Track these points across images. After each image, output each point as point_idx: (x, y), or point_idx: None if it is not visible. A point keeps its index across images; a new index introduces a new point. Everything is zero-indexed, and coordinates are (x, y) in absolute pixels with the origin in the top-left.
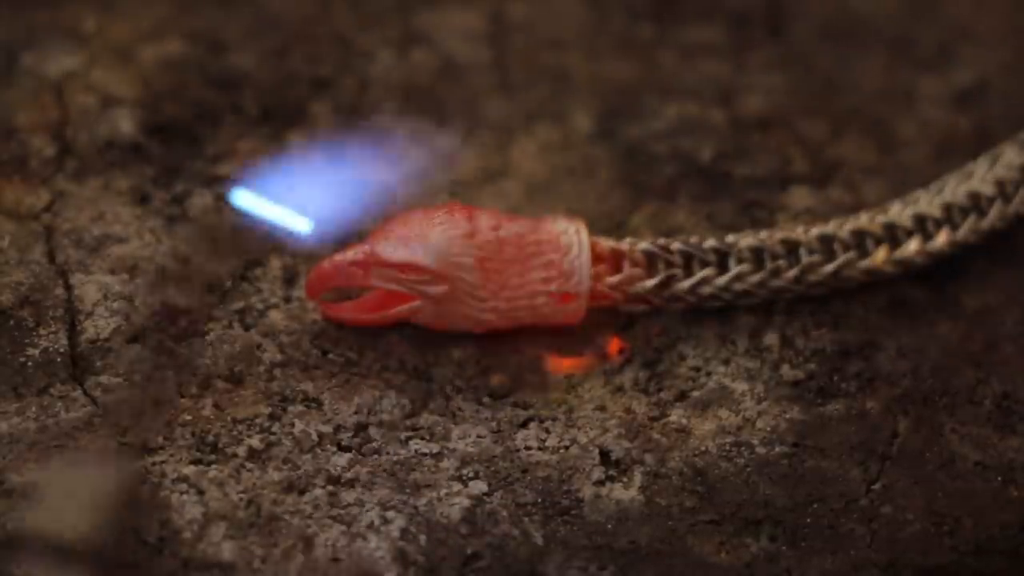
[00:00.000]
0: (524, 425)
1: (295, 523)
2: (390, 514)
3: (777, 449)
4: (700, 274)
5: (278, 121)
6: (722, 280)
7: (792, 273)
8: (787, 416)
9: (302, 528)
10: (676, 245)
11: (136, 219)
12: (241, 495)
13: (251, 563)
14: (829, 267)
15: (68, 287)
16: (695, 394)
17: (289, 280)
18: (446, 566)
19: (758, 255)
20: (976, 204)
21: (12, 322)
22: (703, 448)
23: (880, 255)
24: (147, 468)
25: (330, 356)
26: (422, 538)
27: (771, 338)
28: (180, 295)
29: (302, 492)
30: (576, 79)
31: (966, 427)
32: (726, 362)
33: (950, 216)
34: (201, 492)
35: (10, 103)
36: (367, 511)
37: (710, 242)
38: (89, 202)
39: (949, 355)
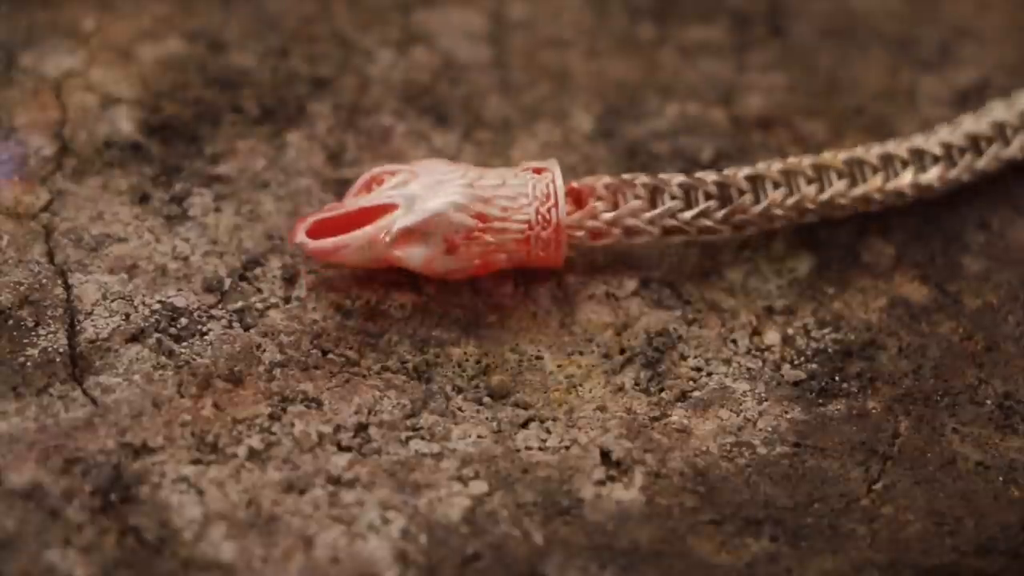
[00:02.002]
0: (524, 425)
1: (295, 523)
2: (390, 514)
3: (778, 449)
4: (667, 205)
5: (278, 121)
6: (686, 215)
7: (757, 208)
8: (788, 416)
9: (302, 528)
10: (642, 179)
11: (135, 219)
12: (241, 495)
13: (251, 563)
14: (790, 199)
15: (67, 287)
16: (696, 394)
17: (289, 280)
18: (446, 566)
19: (723, 189)
20: (975, 144)
21: (11, 322)
22: (704, 448)
23: (875, 182)
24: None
25: (330, 356)
26: (422, 538)
27: (772, 338)
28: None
29: (302, 492)
30: (577, 78)
31: (967, 427)
32: (727, 362)
33: (949, 154)
34: (201, 492)
35: (10, 102)
36: (367, 511)
37: (678, 177)
38: (88, 201)
39: (950, 355)
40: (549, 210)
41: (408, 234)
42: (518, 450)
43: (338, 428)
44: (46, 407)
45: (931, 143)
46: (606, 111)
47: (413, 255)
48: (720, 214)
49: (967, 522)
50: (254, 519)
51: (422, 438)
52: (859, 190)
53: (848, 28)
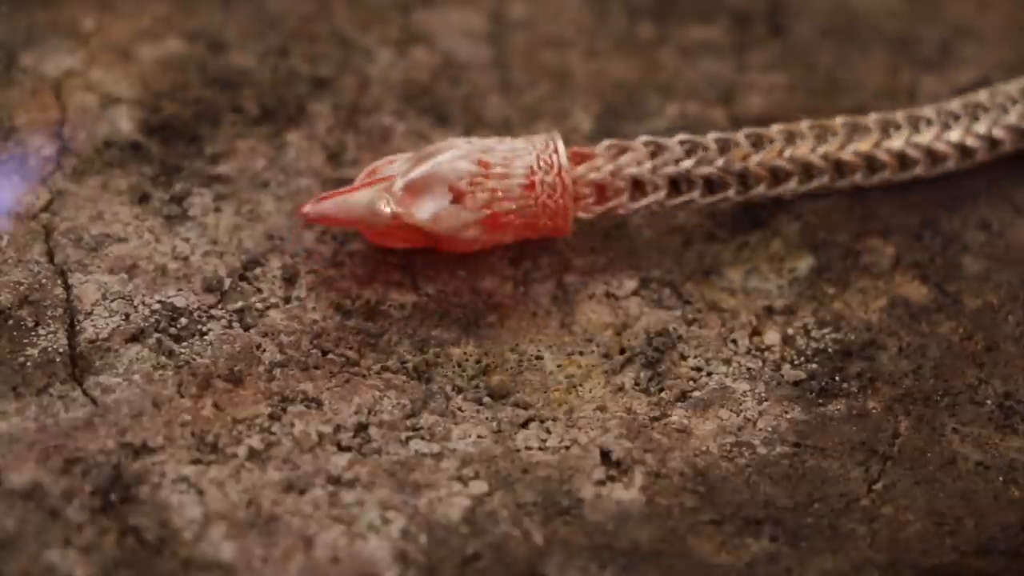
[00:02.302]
0: (524, 425)
1: (295, 523)
2: (390, 514)
3: (778, 449)
4: (663, 157)
5: (278, 121)
6: (687, 162)
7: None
8: (788, 416)
9: (302, 528)
10: (643, 138)
11: (135, 218)
12: (241, 495)
13: (251, 563)
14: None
15: (67, 287)
16: (696, 394)
17: (289, 280)
18: (446, 566)
19: (724, 144)
20: (975, 111)
21: (11, 322)
22: (704, 448)
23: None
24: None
25: (330, 356)
26: (422, 538)
27: (772, 338)
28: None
29: (302, 492)
30: (577, 78)
31: (967, 427)
32: (727, 362)
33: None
34: (201, 492)
35: (10, 102)
36: (367, 511)
37: (679, 136)
38: (88, 201)
39: (950, 355)
40: (551, 155)
41: (412, 187)
42: (518, 450)
43: (338, 428)
44: (46, 407)
45: (930, 111)
46: (606, 111)
47: (421, 209)
48: (720, 161)
49: (967, 522)
50: (254, 519)
51: (422, 438)
52: (856, 146)
53: (848, 28)
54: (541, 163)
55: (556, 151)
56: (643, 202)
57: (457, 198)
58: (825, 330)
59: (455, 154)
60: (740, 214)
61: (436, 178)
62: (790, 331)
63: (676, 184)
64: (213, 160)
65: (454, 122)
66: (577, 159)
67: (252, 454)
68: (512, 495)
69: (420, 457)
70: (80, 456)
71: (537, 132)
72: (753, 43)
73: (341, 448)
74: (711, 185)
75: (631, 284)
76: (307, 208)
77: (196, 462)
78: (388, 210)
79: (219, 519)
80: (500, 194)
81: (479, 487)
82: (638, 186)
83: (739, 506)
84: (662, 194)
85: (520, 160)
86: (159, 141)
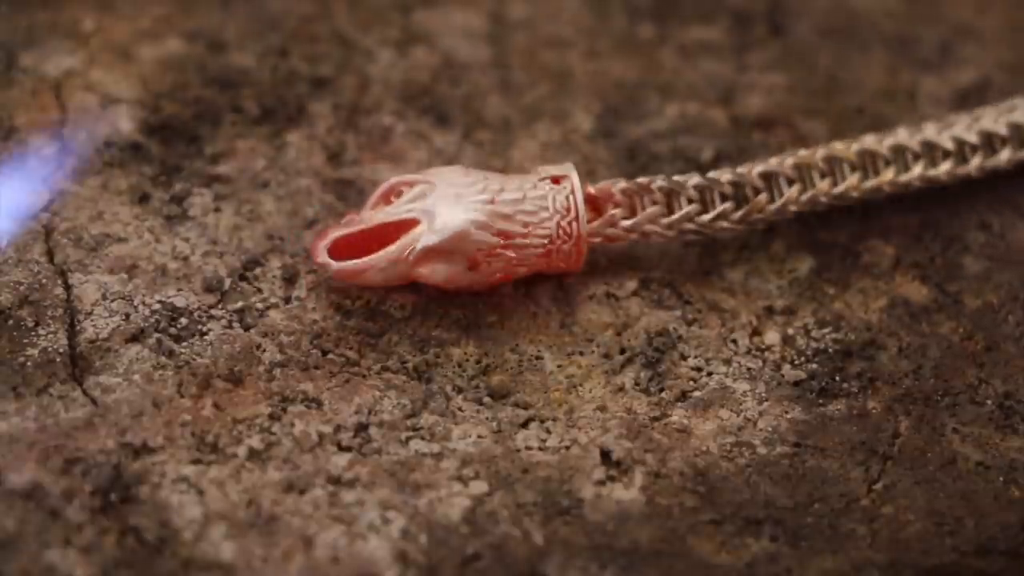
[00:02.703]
0: (524, 425)
1: (295, 523)
2: (390, 514)
3: (778, 449)
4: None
5: (278, 121)
6: (705, 217)
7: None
8: (788, 416)
9: (302, 528)
10: (658, 182)
11: (135, 218)
12: (241, 495)
13: (251, 563)
14: (805, 195)
15: (67, 287)
16: (696, 394)
17: (289, 280)
18: (446, 566)
19: (737, 189)
20: (989, 143)
21: (11, 322)
22: (704, 448)
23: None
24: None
25: (330, 356)
26: (422, 538)
27: (772, 338)
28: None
29: (302, 492)
30: (577, 78)
31: (967, 427)
32: (727, 362)
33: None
34: (201, 492)
35: (10, 102)
36: (367, 511)
37: (694, 179)
38: (88, 201)
39: (950, 355)
40: (571, 223)
41: (431, 253)
42: (518, 450)
43: (338, 428)
44: (46, 407)
45: (944, 137)
46: (606, 111)
47: (436, 272)
48: (737, 215)
49: (967, 522)
50: (254, 519)
51: (422, 438)
52: (871, 183)
53: (848, 28)
54: (560, 232)
55: (576, 218)
56: (652, 241)
57: (473, 266)
58: (825, 330)
59: (475, 220)
60: None
61: (455, 247)
62: (790, 331)
63: (686, 232)
64: (213, 160)
65: (454, 122)
66: (594, 204)
67: (252, 454)
68: (512, 495)
69: (420, 457)
70: (80, 456)
71: (537, 132)
72: (753, 43)
73: (341, 448)
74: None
75: (631, 284)
76: (324, 260)
77: (196, 462)
78: (403, 274)
79: (219, 519)
80: (515, 262)
81: (479, 487)
82: (646, 234)
83: (739, 506)
84: (673, 237)
85: (541, 228)
86: (159, 141)
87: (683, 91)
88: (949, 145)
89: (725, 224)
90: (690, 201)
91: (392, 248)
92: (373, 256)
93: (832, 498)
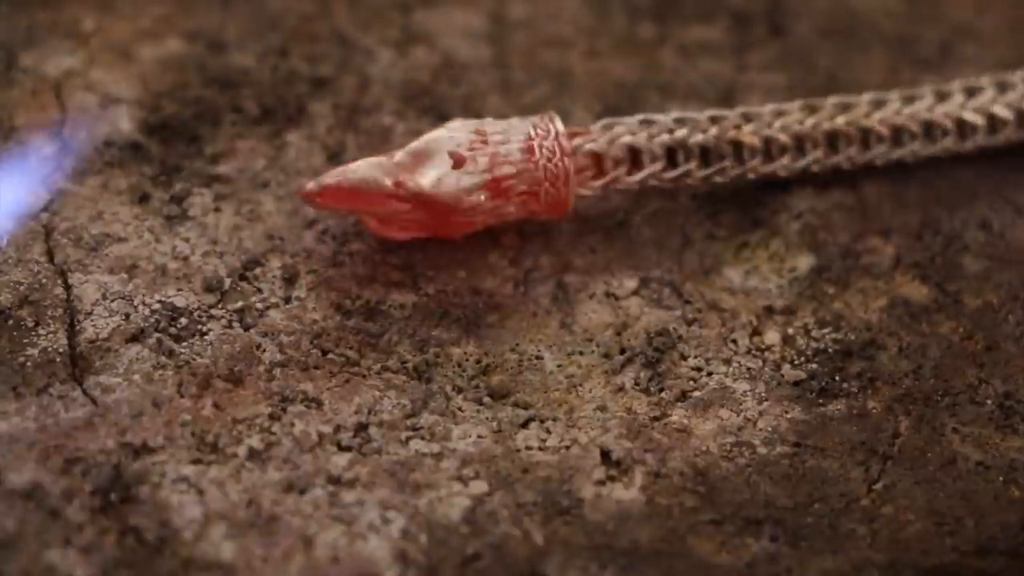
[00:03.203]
0: (524, 425)
1: (295, 523)
2: (390, 514)
3: (778, 449)
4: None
5: (278, 121)
6: (681, 131)
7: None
8: (788, 416)
9: (302, 528)
10: (637, 116)
11: (135, 218)
12: (241, 495)
13: (251, 563)
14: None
15: (67, 286)
16: (696, 394)
17: (289, 280)
18: (446, 566)
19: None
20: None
21: (11, 322)
22: (704, 448)
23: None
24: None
25: (330, 356)
26: (422, 538)
27: (772, 338)
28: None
29: (302, 492)
30: (577, 78)
31: (967, 427)
32: (727, 362)
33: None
34: (201, 492)
35: (10, 102)
36: (367, 511)
37: (673, 113)
38: (88, 201)
39: (950, 355)
40: (547, 125)
41: (413, 156)
42: (518, 450)
43: (338, 428)
44: (46, 407)
45: (903, 116)
46: (606, 111)
47: (422, 175)
48: (714, 130)
49: (967, 522)
50: (254, 519)
51: (422, 438)
52: (844, 118)
53: (848, 28)
54: (538, 131)
55: (552, 121)
56: (642, 174)
57: (458, 164)
58: (825, 330)
59: (452, 126)
60: (740, 214)
61: (435, 146)
62: (790, 331)
63: (673, 156)
64: (213, 160)
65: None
66: (573, 135)
67: (252, 454)
68: (512, 495)
69: (420, 457)
70: (80, 456)
71: None
72: (753, 43)
73: (341, 448)
74: (707, 157)
75: (631, 284)
76: (309, 185)
77: (196, 462)
78: (389, 181)
79: (219, 519)
80: (500, 158)
81: (479, 487)
82: (636, 159)
83: (739, 506)
84: (659, 165)
85: (517, 130)
86: (159, 141)
87: (683, 91)
88: (914, 128)
89: (703, 138)
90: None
91: (374, 159)
92: (356, 163)
93: (832, 498)
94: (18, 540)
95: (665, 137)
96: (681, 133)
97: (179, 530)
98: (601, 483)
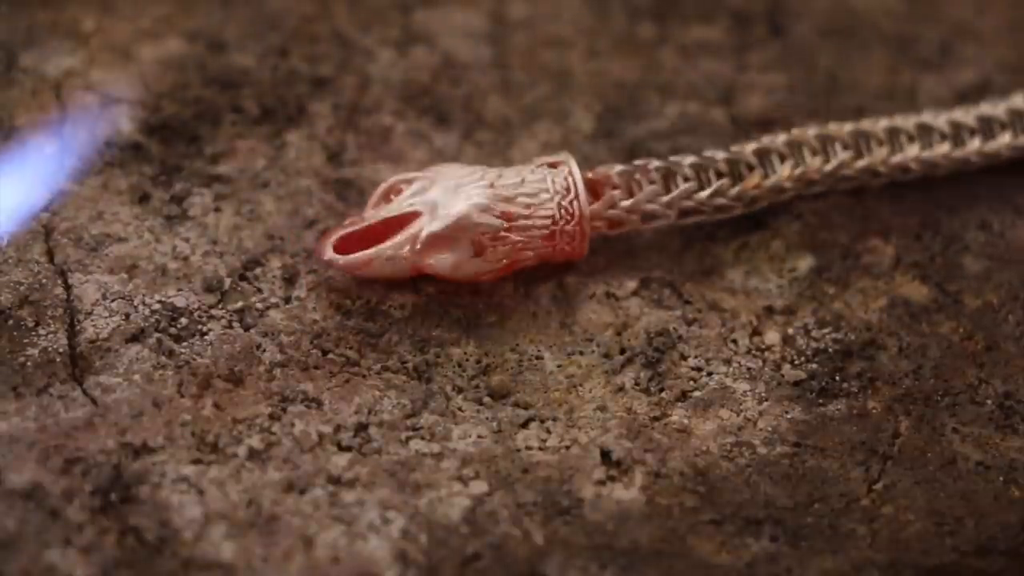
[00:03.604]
0: (524, 425)
1: (295, 523)
2: (390, 514)
3: (778, 449)
4: (683, 187)
5: (278, 121)
6: (702, 195)
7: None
8: (788, 416)
9: (302, 528)
10: (655, 163)
11: (135, 218)
12: (241, 495)
13: (251, 563)
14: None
15: (67, 286)
16: (696, 394)
17: (289, 280)
18: (446, 566)
19: (733, 166)
20: (987, 127)
21: (11, 322)
22: (704, 448)
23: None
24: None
25: (330, 356)
26: (422, 538)
27: (772, 338)
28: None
29: (302, 492)
30: (577, 78)
31: (967, 427)
32: (727, 362)
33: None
34: (201, 492)
35: (10, 102)
36: (367, 511)
37: (689, 159)
38: (88, 201)
39: (950, 355)
40: (571, 203)
41: (436, 240)
42: (518, 450)
43: (338, 428)
44: (46, 407)
45: (940, 120)
46: (606, 111)
47: (442, 261)
48: (733, 192)
49: (967, 522)
50: (254, 519)
51: (422, 438)
52: (863, 162)
53: (848, 28)
54: (562, 211)
55: (576, 197)
56: (653, 225)
57: (479, 251)
58: (825, 330)
59: (478, 204)
60: (740, 214)
61: (460, 232)
62: (790, 331)
63: (685, 211)
64: (213, 160)
65: (454, 122)
66: (593, 188)
67: (252, 454)
68: (512, 495)
69: (420, 457)
70: (80, 456)
71: (537, 132)
72: (753, 43)
73: (341, 448)
74: (719, 209)
75: (631, 284)
76: (330, 256)
77: (196, 462)
78: (407, 267)
79: (219, 519)
80: (520, 246)
81: (479, 487)
82: (648, 215)
83: (739, 506)
84: (672, 217)
85: (542, 209)
86: (159, 141)
87: (683, 91)
88: (945, 128)
89: (723, 201)
90: (686, 180)
91: (398, 238)
92: (379, 246)
93: (832, 498)
94: (18, 540)
95: (685, 203)
96: (701, 196)
97: (179, 530)
98: (601, 483)
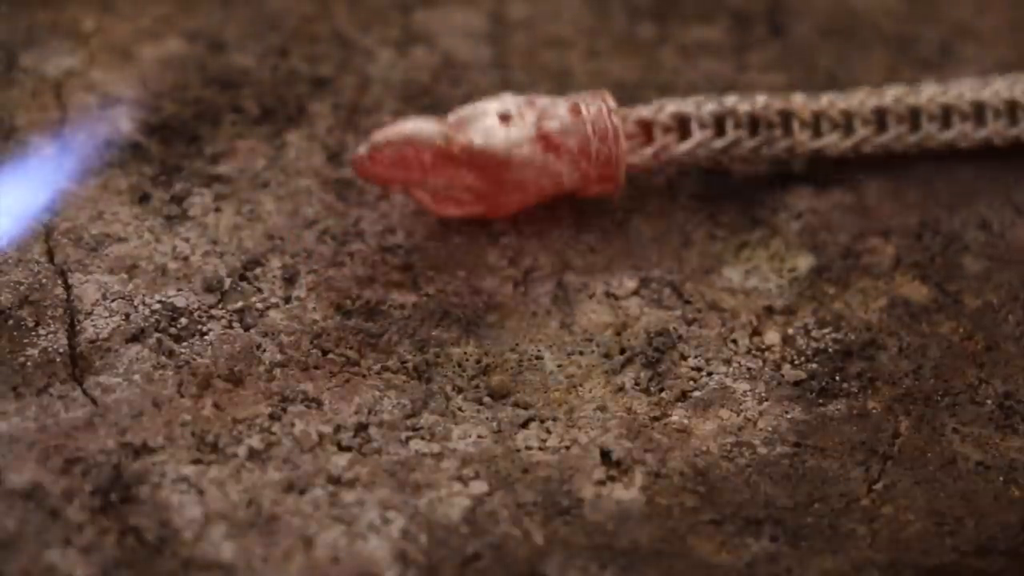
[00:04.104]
0: (524, 425)
1: (295, 523)
2: (390, 514)
3: (778, 449)
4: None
5: (278, 121)
6: (731, 99)
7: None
8: (788, 416)
9: (302, 528)
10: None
11: (135, 218)
12: (241, 495)
13: (251, 563)
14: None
15: (67, 287)
16: (696, 394)
17: (289, 280)
18: (446, 566)
19: (752, 121)
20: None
21: (11, 322)
22: (704, 448)
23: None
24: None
25: (330, 356)
26: (422, 538)
27: (772, 338)
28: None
29: (302, 492)
30: (577, 78)
31: (967, 427)
32: (727, 362)
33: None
34: (201, 492)
35: (10, 102)
36: (367, 511)
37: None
38: (88, 202)
39: (950, 355)
40: (592, 95)
41: (462, 120)
42: (518, 450)
43: (338, 428)
44: (46, 407)
45: (963, 100)
46: None
47: (473, 132)
48: (761, 100)
49: (967, 522)
50: (254, 519)
51: (422, 438)
52: (896, 94)
53: (848, 28)
54: (583, 100)
55: (603, 96)
56: (691, 142)
57: (504, 118)
58: (825, 330)
59: (499, 96)
60: (740, 214)
61: (484, 110)
62: (790, 331)
63: (722, 125)
64: (213, 160)
65: None
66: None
67: (252, 454)
68: (512, 495)
69: (420, 457)
70: (80, 456)
71: None
72: (753, 43)
73: (341, 448)
74: (756, 127)
75: (631, 284)
76: (359, 149)
77: (196, 462)
78: (438, 135)
79: (219, 519)
80: (548, 114)
81: (479, 487)
82: (684, 128)
83: (739, 506)
84: (708, 133)
85: (564, 99)
86: (159, 141)
87: (683, 91)
88: (966, 108)
89: (751, 107)
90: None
91: (424, 117)
92: (405, 120)
93: (832, 498)
94: (18, 540)
95: (713, 105)
96: (730, 101)
97: (179, 530)
98: (601, 483)
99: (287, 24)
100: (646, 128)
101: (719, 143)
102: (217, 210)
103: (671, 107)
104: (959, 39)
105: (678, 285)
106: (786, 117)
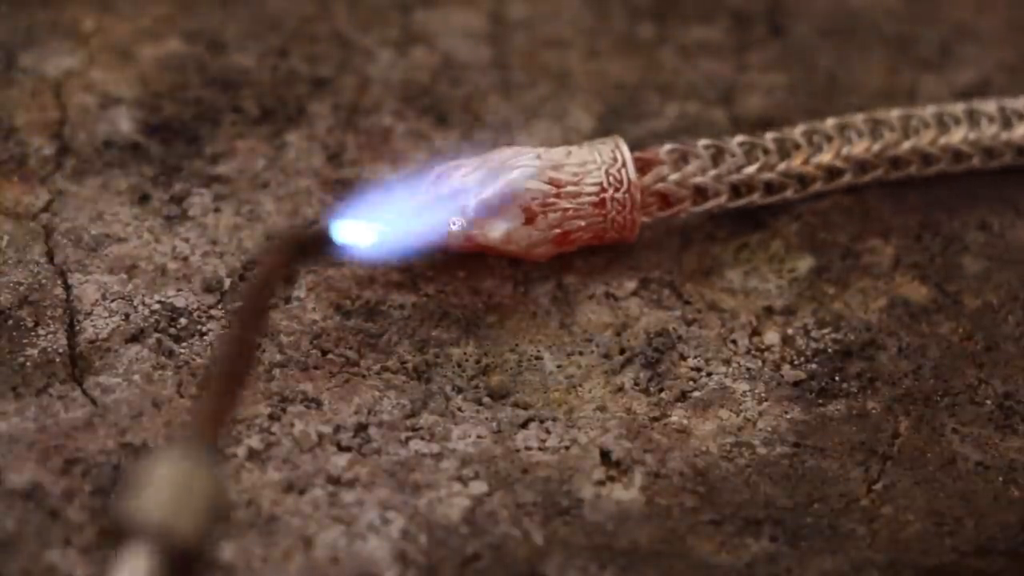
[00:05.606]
0: (524, 425)
1: (295, 523)
2: (390, 514)
3: (778, 449)
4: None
5: (278, 121)
6: (750, 168)
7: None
8: (788, 416)
9: (302, 528)
10: (703, 141)
11: (135, 219)
12: (241, 495)
13: (251, 563)
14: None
15: (67, 287)
16: (696, 394)
17: (289, 280)
18: (446, 566)
19: (780, 144)
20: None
21: (11, 322)
22: (704, 448)
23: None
24: None
25: (330, 356)
26: (422, 538)
27: (772, 338)
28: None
29: (302, 492)
30: (577, 78)
31: (967, 427)
32: (727, 362)
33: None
34: None
35: (10, 102)
36: (367, 511)
37: (738, 137)
38: (88, 202)
39: (950, 355)
40: (619, 170)
41: (486, 209)
42: (518, 450)
43: (338, 428)
44: (46, 407)
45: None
46: (606, 111)
47: (494, 229)
48: (782, 167)
49: (967, 522)
50: (254, 519)
51: (422, 438)
52: (910, 143)
53: (848, 28)
54: (611, 179)
55: (624, 165)
56: (705, 206)
57: (529, 219)
58: (825, 330)
59: (527, 173)
60: (740, 214)
61: (509, 199)
62: (790, 331)
63: (736, 189)
64: (213, 160)
65: (454, 122)
66: (641, 165)
67: (252, 454)
68: (512, 495)
69: (420, 457)
70: (80, 456)
71: (537, 132)
72: (753, 43)
73: (341, 448)
74: (771, 188)
75: (631, 284)
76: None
77: None
78: (460, 236)
79: (219, 519)
80: (571, 213)
81: (479, 487)
82: (700, 192)
83: (739, 506)
84: (724, 198)
85: (590, 177)
86: (159, 141)
87: (683, 91)
88: (1002, 148)
89: (771, 176)
90: (734, 156)
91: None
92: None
93: (832, 498)
94: (18, 540)
95: (733, 177)
96: (749, 171)
97: None
98: (601, 483)
99: (287, 24)
100: (664, 196)
101: (734, 204)
102: (217, 210)
103: (693, 179)
104: (959, 39)
105: (678, 285)
106: (803, 179)
